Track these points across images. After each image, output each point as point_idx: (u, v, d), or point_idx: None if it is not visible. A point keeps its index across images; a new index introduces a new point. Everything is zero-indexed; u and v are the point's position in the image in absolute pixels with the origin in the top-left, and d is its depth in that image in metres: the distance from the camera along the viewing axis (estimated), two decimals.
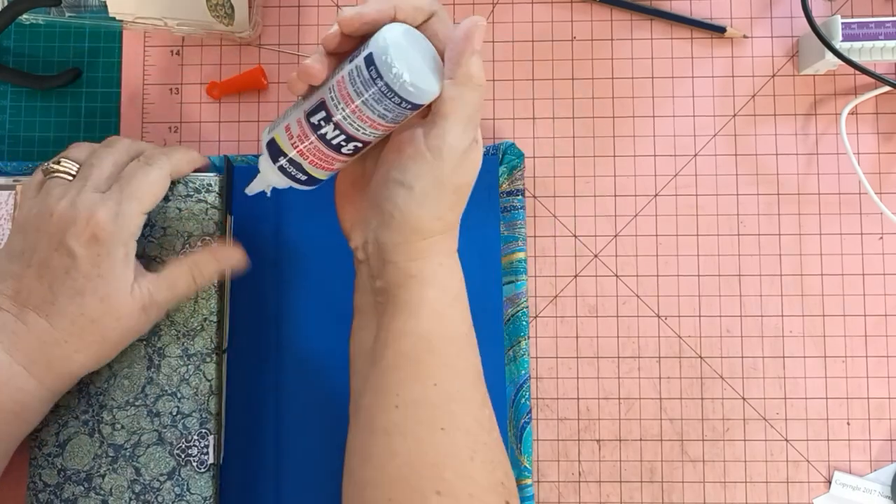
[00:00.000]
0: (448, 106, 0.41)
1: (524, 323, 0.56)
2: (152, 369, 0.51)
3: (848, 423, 0.57)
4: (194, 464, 0.50)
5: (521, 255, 0.57)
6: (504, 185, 0.58)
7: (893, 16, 0.57)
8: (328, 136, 0.42)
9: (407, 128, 0.43)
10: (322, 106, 0.41)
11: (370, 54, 0.39)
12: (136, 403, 0.51)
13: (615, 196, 0.59)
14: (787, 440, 0.57)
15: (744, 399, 0.57)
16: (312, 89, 0.43)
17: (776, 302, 0.58)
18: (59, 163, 0.48)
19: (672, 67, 0.59)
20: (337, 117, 0.41)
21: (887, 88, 0.57)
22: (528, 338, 0.57)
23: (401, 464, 0.40)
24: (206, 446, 0.51)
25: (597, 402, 0.57)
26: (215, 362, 0.52)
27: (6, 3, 0.57)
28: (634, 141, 0.59)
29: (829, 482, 0.56)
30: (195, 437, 0.51)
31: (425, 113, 0.43)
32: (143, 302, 0.47)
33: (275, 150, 0.44)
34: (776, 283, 0.58)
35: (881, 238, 0.58)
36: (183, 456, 0.50)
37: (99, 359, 0.47)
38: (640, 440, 0.57)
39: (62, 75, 0.59)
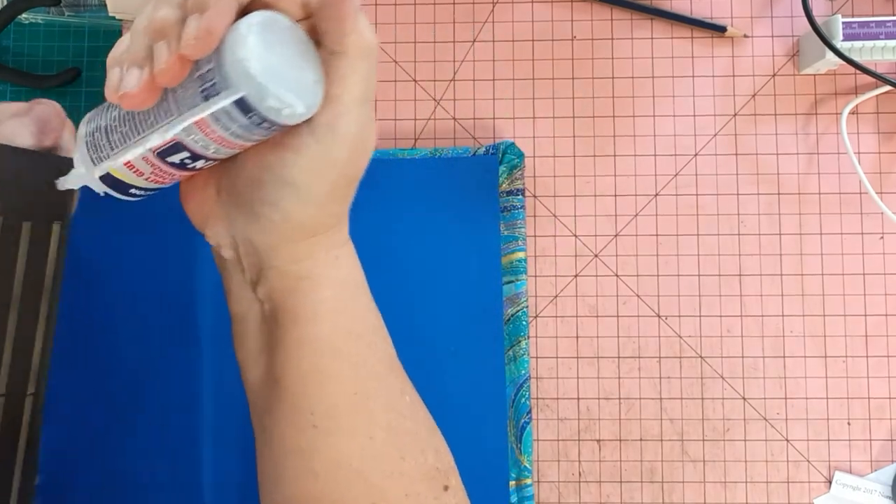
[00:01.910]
0: (339, 87, 0.32)
1: (524, 323, 0.56)
2: None
3: (848, 423, 0.57)
4: None
5: (521, 254, 0.57)
6: (504, 185, 0.57)
7: (894, 15, 0.57)
8: (190, 166, 0.35)
9: None
10: (180, 147, 0.33)
11: (242, 99, 0.31)
12: None
13: (615, 195, 0.59)
14: (787, 440, 0.57)
15: (744, 399, 0.57)
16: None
17: (777, 302, 0.57)
18: None
19: (672, 67, 0.59)
20: (209, 154, 0.34)
21: (888, 88, 0.57)
22: (528, 338, 0.57)
23: (324, 482, 0.37)
24: None
25: (597, 402, 0.57)
26: None
27: (6, 3, 0.57)
28: (635, 140, 0.59)
29: (830, 482, 0.56)
30: None
31: None
32: None
33: (111, 180, 0.35)
34: (777, 283, 0.58)
35: (882, 238, 0.58)
36: None
37: None
38: (641, 440, 0.57)
39: (61, 75, 0.59)
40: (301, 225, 0.35)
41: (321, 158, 0.33)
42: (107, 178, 0.35)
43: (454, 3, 0.60)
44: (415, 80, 0.60)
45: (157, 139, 0.33)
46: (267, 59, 0.31)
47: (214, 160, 0.34)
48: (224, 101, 0.31)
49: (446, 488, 0.39)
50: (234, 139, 0.33)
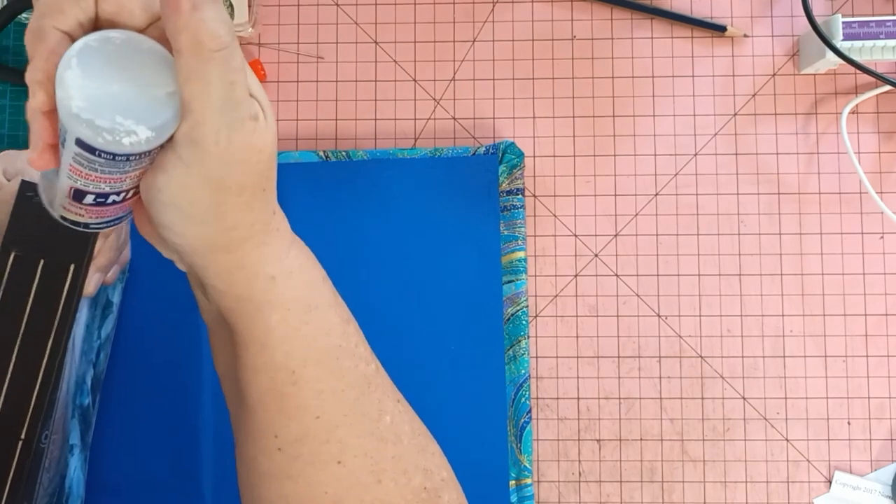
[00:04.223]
0: (188, 91, 0.29)
1: (524, 322, 0.56)
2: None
3: (848, 423, 0.57)
4: None
5: (520, 254, 0.57)
6: (504, 185, 0.57)
7: (894, 15, 0.57)
8: (110, 201, 0.33)
9: None
10: (81, 191, 0.31)
11: (79, 140, 0.28)
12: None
13: (615, 195, 0.59)
14: (787, 440, 0.57)
15: (744, 399, 0.57)
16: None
17: (777, 301, 0.57)
18: None
19: (672, 66, 0.59)
20: (108, 190, 0.32)
21: (888, 87, 0.57)
22: (528, 337, 0.57)
23: None
24: None
25: (597, 402, 0.57)
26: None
27: (6, 2, 0.57)
28: (635, 140, 0.59)
29: (830, 482, 0.56)
30: None
31: None
32: None
33: (69, 220, 0.34)
34: (777, 283, 0.58)
35: (882, 237, 0.58)
36: None
37: None
38: (641, 440, 0.57)
39: None
40: (205, 243, 0.33)
41: (191, 175, 0.30)
42: (64, 219, 0.34)
43: (454, 3, 0.60)
44: (415, 80, 0.60)
45: (61, 188, 0.31)
46: (92, 90, 0.28)
47: (128, 191, 0.32)
48: (70, 147, 0.29)
49: None
50: (114, 174, 0.30)
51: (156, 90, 0.29)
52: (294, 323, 0.35)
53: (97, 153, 0.29)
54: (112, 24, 0.30)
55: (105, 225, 0.34)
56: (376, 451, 0.37)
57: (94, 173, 0.30)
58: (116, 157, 0.29)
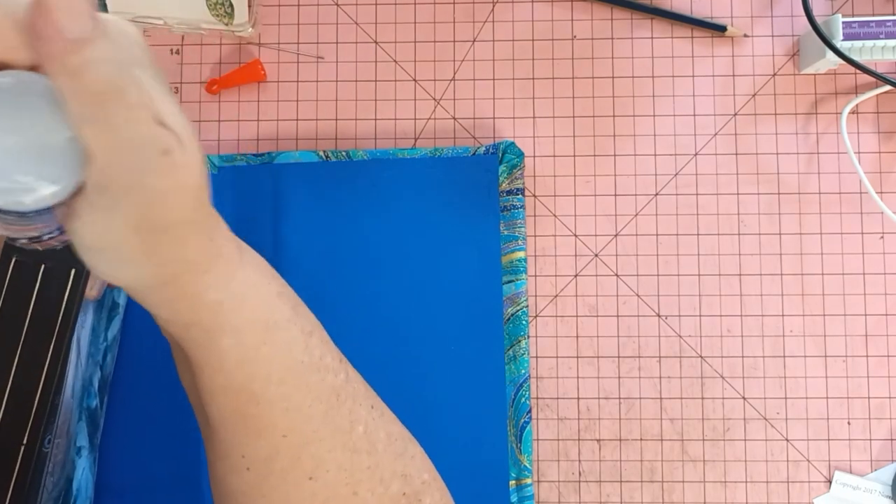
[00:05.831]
0: (84, 136, 0.25)
1: (524, 322, 0.56)
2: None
3: (848, 423, 0.57)
4: None
5: (520, 254, 0.57)
6: (504, 185, 0.57)
7: (894, 15, 0.57)
8: (46, 239, 0.30)
9: None
10: (13, 237, 0.30)
11: None
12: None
13: (615, 195, 0.59)
14: (787, 440, 0.57)
15: (744, 399, 0.57)
16: None
17: (777, 301, 0.57)
18: None
19: (672, 66, 0.59)
20: (35, 235, 0.30)
21: (888, 87, 0.57)
22: (528, 337, 0.57)
23: None
24: None
25: (597, 402, 0.57)
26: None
27: None
28: (635, 140, 0.59)
29: (830, 482, 0.56)
30: None
31: None
32: None
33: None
34: (777, 283, 0.58)
35: (882, 237, 0.58)
36: None
37: None
38: (641, 440, 0.57)
39: None
40: (137, 282, 0.30)
41: (107, 220, 0.27)
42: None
43: (454, 3, 0.60)
44: (415, 80, 0.60)
45: None
46: None
47: (60, 226, 0.30)
48: None
49: None
50: (34, 223, 0.28)
51: (55, 137, 0.26)
52: (249, 344, 0.33)
53: (4, 212, 0.26)
54: (2, 66, 0.26)
55: (56, 246, 0.33)
56: (350, 464, 0.36)
57: (13, 226, 0.28)
58: (27, 214, 0.26)
